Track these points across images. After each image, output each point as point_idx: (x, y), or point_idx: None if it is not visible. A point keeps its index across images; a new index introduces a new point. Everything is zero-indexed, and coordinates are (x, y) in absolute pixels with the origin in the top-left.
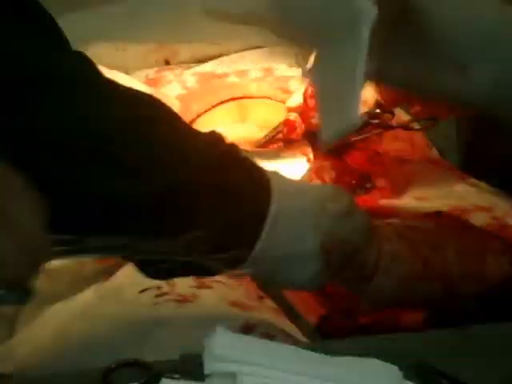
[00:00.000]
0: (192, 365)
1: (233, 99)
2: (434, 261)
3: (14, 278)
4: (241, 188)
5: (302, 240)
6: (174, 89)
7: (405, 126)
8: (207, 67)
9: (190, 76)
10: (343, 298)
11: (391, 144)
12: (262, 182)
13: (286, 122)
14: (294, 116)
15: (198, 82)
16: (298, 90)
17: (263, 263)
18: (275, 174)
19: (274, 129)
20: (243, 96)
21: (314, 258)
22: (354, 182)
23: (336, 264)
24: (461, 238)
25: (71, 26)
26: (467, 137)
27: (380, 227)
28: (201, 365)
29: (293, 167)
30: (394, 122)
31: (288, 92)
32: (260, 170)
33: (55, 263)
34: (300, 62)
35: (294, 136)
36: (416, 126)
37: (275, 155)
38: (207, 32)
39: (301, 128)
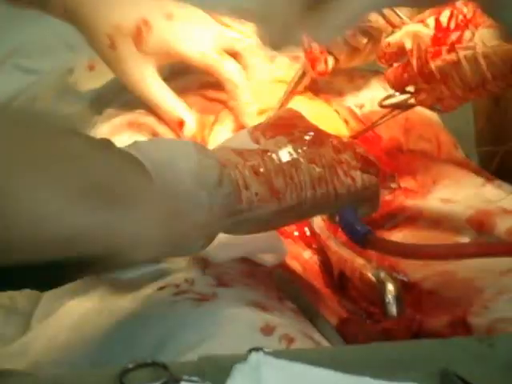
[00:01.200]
0: (211, 367)
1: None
2: (288, 195)
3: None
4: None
5: None
6: None
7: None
8: None
9: None
10: (365, 301)
11: (416, 142)
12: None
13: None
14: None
15: None
16: None
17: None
18: (148, 158)
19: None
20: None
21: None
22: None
23: (215, 233)
24: (313, 156)
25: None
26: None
27: (238, 172)
28: (220, 367)
29: None
30: None
31: None
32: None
33: None
34: None
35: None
36: None
37: None
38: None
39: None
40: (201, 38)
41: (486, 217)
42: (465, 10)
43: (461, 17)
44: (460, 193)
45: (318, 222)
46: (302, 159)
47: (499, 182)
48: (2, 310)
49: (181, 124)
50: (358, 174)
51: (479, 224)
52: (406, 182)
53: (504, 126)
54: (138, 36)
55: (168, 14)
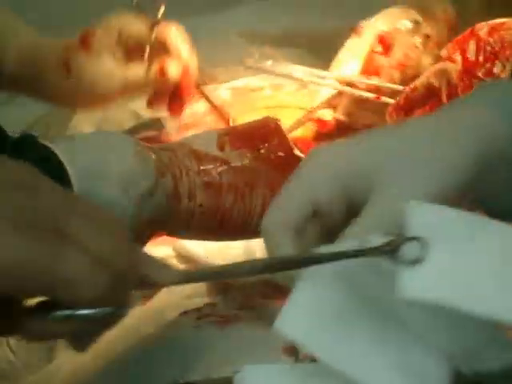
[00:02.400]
0: None
1: (266, 108)
2: (234, 213)
3: (94, 296)
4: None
5: None
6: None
7: None
8: (242, 82)
9: (225, 90)
10: None
11: None
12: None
13: (318, 121)
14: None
15: (233, 95)
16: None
17: None
18: (75, 160)
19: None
20: (277, 105)
21: None
22: None
23: (146, 239)
24: (273, 180)
25: None
26: None
27: (187, 179)
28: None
29: None
30: None
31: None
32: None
33: None
34: None
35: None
36: None
37: None
38: (244, 55)
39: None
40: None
41: None
42: (491, 40)
43: (489, 48)
44: None
45: None
46: (260, 180)
47: None
48: None
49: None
50: None
51: None
52: None
53: None
54: (85, 42)
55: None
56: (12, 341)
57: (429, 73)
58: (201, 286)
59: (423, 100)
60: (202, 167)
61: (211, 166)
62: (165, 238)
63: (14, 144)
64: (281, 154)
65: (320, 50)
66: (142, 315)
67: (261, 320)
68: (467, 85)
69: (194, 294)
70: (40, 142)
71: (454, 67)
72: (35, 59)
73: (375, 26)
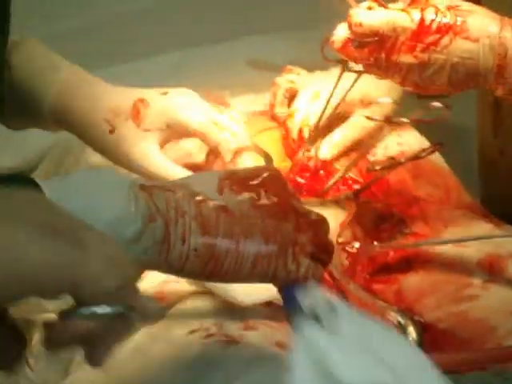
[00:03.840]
0: None
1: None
2: (226, 261)
3: (108, 291)
4: None
5: None
6: None
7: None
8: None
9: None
10: None
11: (425, 188)
12: None
13: None
14: None
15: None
16: None
17: None
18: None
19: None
20: None
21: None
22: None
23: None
24: (269, 229)
25: (122, 75)
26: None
27: (182, 223)
28: None
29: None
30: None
31: None
32: None
33: None
34: None
35: None
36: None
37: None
38: (252, 81)
39: None
40: (196, 109)
41: (496, 260)
42: (448, 14)
43: (444, 20)
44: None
45: (337, 267)
46: (256, 229)
47: (507, 226)
48: (44, 355)
49: None
50: (305, 262)
51: (490, 266)
52: (418, 227)
53: (509, 171)
54: (137, 114)
55: (163, 92)
56: (31, 359)
57: (382, 16)
58: (209, 307)
59: (359, 38)
60: (198, 213)
61: (210, 213)
62: None
63: (3, 181)
64: (277, 202)
65: None
66: (151, 334)
67: (264, 339)
68: (411, 46)
69: (203, 314)
70: (32, 180)
71: (410, 25)
72: (77, 102)
73: None
